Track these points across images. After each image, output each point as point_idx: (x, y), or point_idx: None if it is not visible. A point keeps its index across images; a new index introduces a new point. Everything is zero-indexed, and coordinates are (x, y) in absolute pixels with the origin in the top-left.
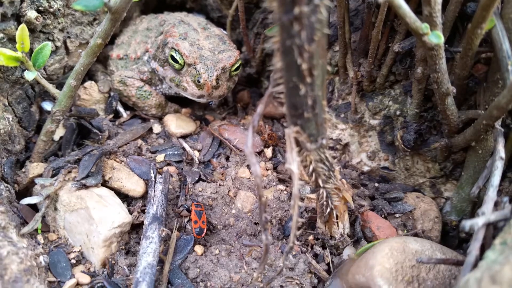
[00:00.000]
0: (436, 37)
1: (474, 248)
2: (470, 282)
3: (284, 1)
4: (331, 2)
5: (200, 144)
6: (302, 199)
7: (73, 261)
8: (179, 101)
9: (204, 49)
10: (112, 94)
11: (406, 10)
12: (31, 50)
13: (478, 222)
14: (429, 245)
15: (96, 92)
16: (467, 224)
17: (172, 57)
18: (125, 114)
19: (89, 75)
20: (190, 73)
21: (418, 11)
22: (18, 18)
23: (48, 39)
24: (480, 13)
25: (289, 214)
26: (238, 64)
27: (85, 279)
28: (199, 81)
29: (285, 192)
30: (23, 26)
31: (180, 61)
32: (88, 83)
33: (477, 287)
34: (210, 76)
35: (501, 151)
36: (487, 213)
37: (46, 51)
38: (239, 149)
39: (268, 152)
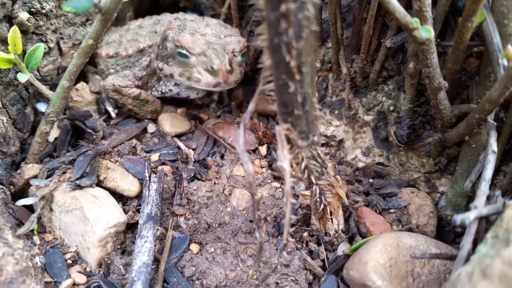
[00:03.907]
0: (426, 32)
1: (466, 242)
2: (462, 276)
3: None
4: None
5: (194, 143)
6: (296, 196)
7: (69, 261)
8: (174, 102)
9: (208, 35)
10: (100, 96)
11: (395, 5)
12: (24, 52)
13: (470, 216)
14: (423, 240)
15: (88, 94)
16: (458, 218)
17: (181, 54)
18: (113, 114)
19: (81, 76)
20: (200, 61)
21: (409, 6)
22: (10, 19)
23: (41, 41)
24: (470, 7)
25: (283, 211)
26: (245, 50)
27: (82, 279)
28: (212, 68)
29: (280, 189)
30: (15, 28)
31: (189, 55)
32: (79, 85)
33: (468, 281)
34: (223, 60)
35: (493, 145)
36: (479, 207)
37: (39, 52)
38: (233, 147)
39: (263, 149)
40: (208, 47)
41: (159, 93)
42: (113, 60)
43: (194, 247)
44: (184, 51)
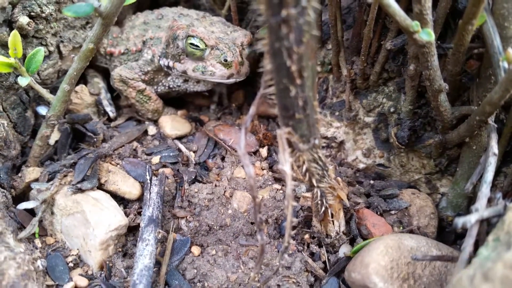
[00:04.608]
0: (426, 35)
1: (467, 245)
2: (463, 279)
3: (271, 3)
4: (323, 0)
5: (195, 145)
6: (297, 198)
7: (71, 264)
8: (175, 104)
9: (216, 33)
10: (97, 97)
11: (395, 8)
12: (24, 56)
13: (471, 219)
14: (424, 241)
15: (87, 96)
16: (459, 221)
17: (192, 45)
18: (111, 114)
19: (80, 78)
20: (213, 55)
21: (409, 9)
22: (10, 24)
23: (41, 44)
24: (471, 9)
25: (285, 213)
26: (252, 42)
27: (83, 282)
28: (225, 60)
29: (281, 191)
30: (15, 32)
31: (201, 46)
32: (79, 87)
33: (470, 285)
34: (235, 53)
35: (494, 147)
36: (480, 210)
37: (39, 56)
38: (234, 149)
39: (263, 151)
40: (220, 41)
41: (166, 87)
42: (125, 56)
43: (196, 250)
44: (197, 42)
